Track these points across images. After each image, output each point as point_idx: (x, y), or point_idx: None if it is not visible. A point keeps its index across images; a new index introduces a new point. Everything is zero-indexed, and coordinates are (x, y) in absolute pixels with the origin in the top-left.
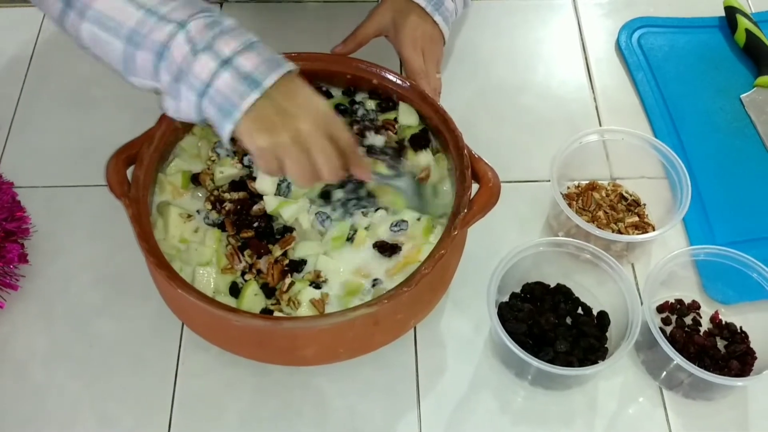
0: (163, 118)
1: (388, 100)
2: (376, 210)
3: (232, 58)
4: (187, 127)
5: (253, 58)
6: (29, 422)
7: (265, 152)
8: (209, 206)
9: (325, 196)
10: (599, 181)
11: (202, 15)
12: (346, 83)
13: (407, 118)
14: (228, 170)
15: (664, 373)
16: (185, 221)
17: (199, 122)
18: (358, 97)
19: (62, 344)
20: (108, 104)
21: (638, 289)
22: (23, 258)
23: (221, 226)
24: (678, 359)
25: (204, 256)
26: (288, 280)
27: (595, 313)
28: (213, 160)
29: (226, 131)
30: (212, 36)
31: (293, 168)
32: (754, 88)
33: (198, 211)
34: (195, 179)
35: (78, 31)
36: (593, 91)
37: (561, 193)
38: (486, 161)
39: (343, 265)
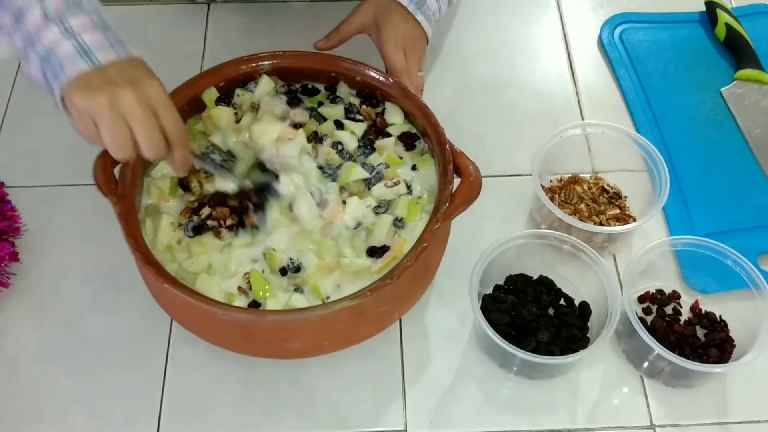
0: None
1: (371, 96)
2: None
3: (79, 33)
4: None
5: (98, 37)
6: (21, 418)
7: (81, 113)
8: (185, 218)
9: None
10: (581, 175)
11: None
12: (329, 81)
13: (393, 116)
14: (223, 185)
15: (645, 361)
16: (175, 230)
17: (45, 88)
18: (341, 93)
19: (53, 341)
20: None
21: (619, 280)
22: (14, 256)
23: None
24: (657, 348)
25: (199, 266)
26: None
27: (576, 303)
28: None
29: (56, 94)
30: (66, 8)
31: (106, 134)
32: (734, 82)
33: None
34: (183, 185)
35: None
36: (576, 87)
37: (544, 187)
38: (467, 156)
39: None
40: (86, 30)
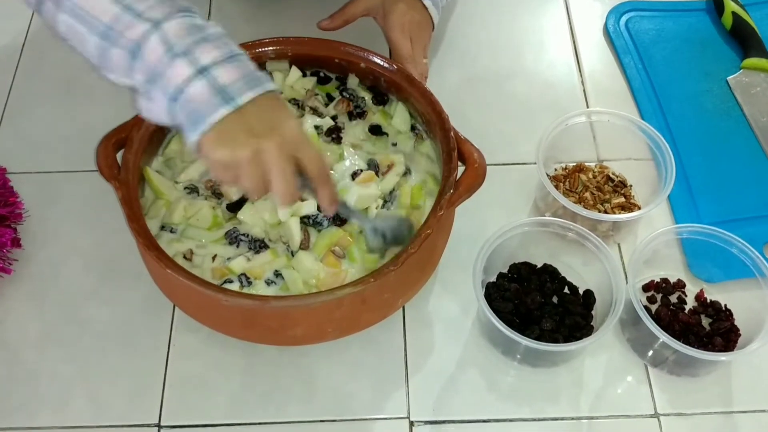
0: None
1: (381, 94)
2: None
3: (210, 67)
4: None
5: (232, 72)
6: (22, 405)
7: (222, 165)
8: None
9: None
10: (586, 163)
11: (180, 15)
12: (336, 68)
13: (399, 122)
14: None
15: (649, 350)
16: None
17: (170, 125)
18: (351, 84)
19: (55, 328)
20: (100, 91)
21: (624, 269)
22: (16, 242)
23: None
24: (662, 336)
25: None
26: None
27: (581, 292)
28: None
29: (191, 140)
30: (192, 41)
31: (246, 183)
32: (741, 70)
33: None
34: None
35: (54, 22)
36: (581, 76)
37: (548, 175)
38: (472, 143)
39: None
40: (218, 64)
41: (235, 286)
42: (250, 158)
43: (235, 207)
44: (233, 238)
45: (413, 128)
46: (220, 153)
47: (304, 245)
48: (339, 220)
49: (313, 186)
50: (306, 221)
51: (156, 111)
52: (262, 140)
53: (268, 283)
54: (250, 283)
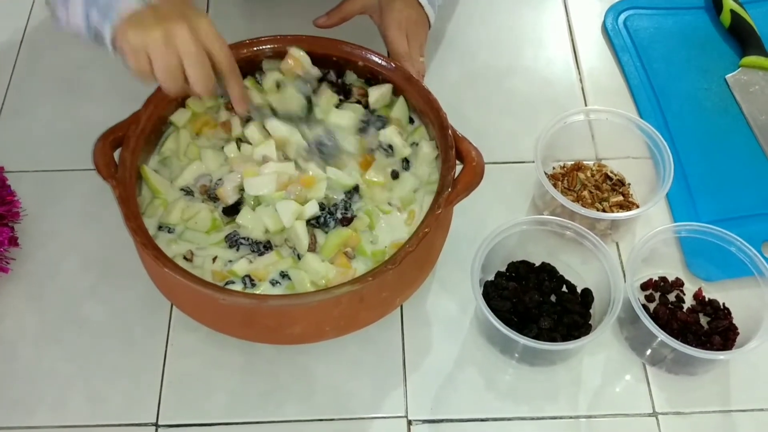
0: (150, 100)
1: (374, 80)
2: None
3: None
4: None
5: None
6: (20, 403)
7: (135, 48)
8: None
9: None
10: (584, 162)
11: None
12: (334, 66)
13: (399, 113)
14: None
15: (648, 349)
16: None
17: (90, 35)
18: (349, 80)
19: (52, 326)
20: (97, 89)
21: (622, 268)
22: (13, 241)
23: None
24: (660, 334)
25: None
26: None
27: (579, 290)
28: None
29: (107, 36)
30: None
31: (160, 67)
32: (739, 69)
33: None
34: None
35: None
36: (579, 74)
37: (547, 174)
38: (470, 141)
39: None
40: None
41: (238, 288)
42: (162, 39)
43: (231, 211)
44: (233, 242)
45: (411, 120)
46: (131, 36)
47: (311, 247)
48: (345, 220)
49: (225, 81)
50: (312, 224)
51: (74, 17)
52: (172, 23)
53: (273, 283)
54: (254, 284)
